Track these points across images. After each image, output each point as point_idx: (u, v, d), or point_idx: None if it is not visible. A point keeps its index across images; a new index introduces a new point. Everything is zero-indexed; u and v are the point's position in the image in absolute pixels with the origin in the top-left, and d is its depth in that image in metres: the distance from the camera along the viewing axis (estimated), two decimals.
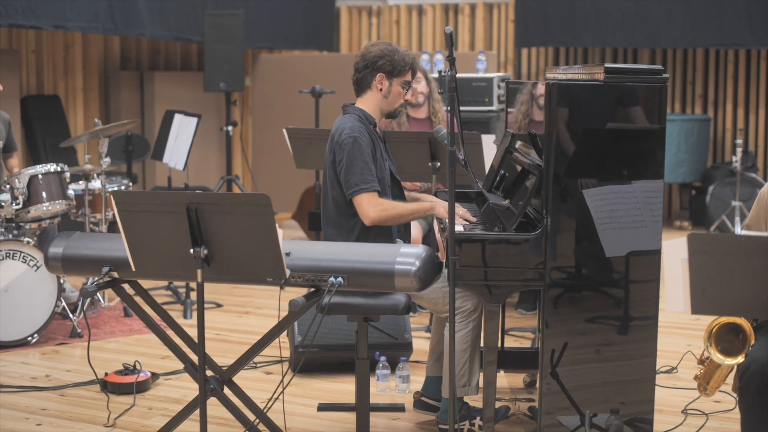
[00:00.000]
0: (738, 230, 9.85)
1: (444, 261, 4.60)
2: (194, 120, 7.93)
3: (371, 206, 4.89)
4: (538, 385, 4.64)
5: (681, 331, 6.89)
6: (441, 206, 5.03)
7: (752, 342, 4.05)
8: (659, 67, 4.51)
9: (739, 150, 9.91)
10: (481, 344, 4.80)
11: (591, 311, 4.55)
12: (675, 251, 3.64)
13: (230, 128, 9.65)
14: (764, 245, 3.47)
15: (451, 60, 4.22)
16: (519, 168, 5.02)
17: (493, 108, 9.41)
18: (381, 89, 5.09)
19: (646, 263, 4.52)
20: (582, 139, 4.46)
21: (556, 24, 11.17)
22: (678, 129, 10.59)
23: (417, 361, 6.15)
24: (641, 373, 4.60)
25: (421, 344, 6.41)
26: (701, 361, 4.39)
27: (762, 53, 11.06)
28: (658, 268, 4.53)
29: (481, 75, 9.66)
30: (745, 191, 10.19)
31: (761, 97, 11.14)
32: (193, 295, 7.54)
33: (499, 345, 5.32)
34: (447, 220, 4.82)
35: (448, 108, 4.27)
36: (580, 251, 4.51)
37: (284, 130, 7.19)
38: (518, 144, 5.23)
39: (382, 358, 5.87)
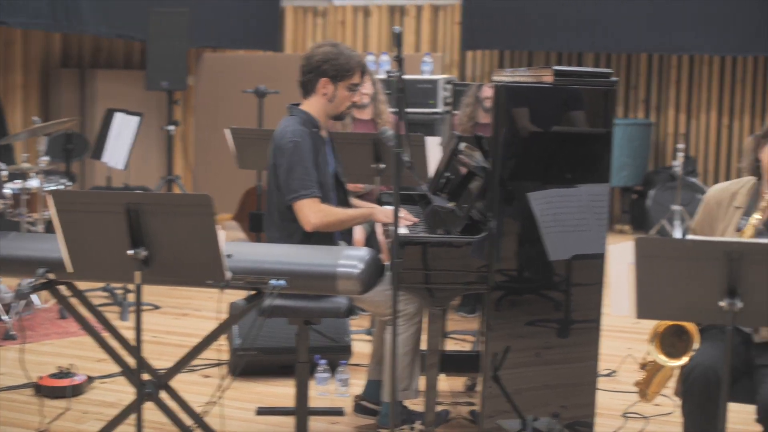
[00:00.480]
0: (677, 234, 9.90)
1: (387, 264, 4.55)
2: (136, 119, 7.82)
3: (312, 212, 4.82)
4: (480, 388, 4.61)
5: (621, 335, 6.89)
6: (380, 212, 4.97)
7: (696, 344, 4.04)
8: (608, 70, 4.49)
9: (680, 155, 9.96)
10: (422, 347, 4.77)
11: (532, 314, 4.54)
12: (621, 255, 3.62)
13: (172, 128, 9.52)
14: (710, 250, 3.46)
15: (398, 60, 4.17)
16: (464, 170, 4.98)
17: (438, 110, 9.38)
18: (326, 93, 5.00)
19: (589, 267, 4.50)
20: (529, 142, 4.44)
21: (501, 27, 11.17)
22: (620, 133, 10.63)
23: (357, 364, 6.09)
24: (582, 376, 4.59)
25: (361, 347, 6.36)
26: (642, 367, 4.36)
27: (705, 59, 11.14)
28: (601, 271, 4.51)
29: (426, 77, 9.62)
30: (686, 196, 10.25)
31: (703, 103, 11.21)
32: (131, 297, 7.43)
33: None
34: (390, 224, 4.78)
35: (394, 110, 4.23)
36: (524, 254, 4.49)
37: (226, 131, 7.11)
38: (464, 146, 5.19)
39: (322, 361, 5.81)
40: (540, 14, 10.98)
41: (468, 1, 11.33)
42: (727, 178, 11.05)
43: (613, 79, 4.44)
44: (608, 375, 6.05)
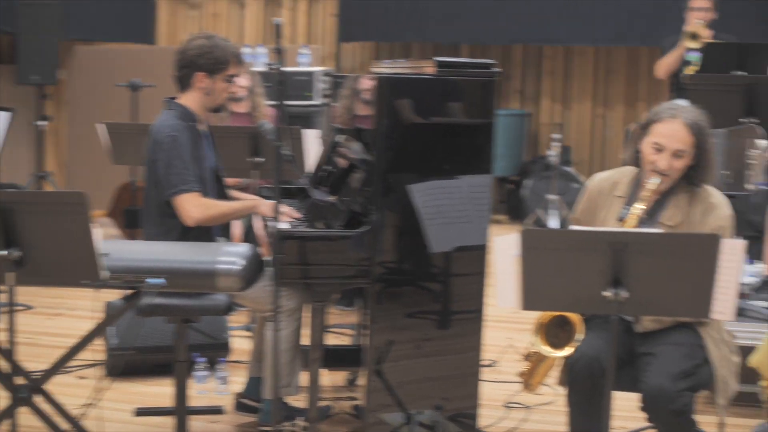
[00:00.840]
0: (553, 223, 9.99)
1: (267, 259, 4.47)
2: (6, 115, 7.58)
3: (193, 206, 4.72)
4: (362, 382, 4.57)
5: (501, 325, 6.89)
6: (264, 204, 4.90)
7: (580, 335, 4.05)
8: (490, 61, 4.50)
9: (556, 144, 9.99)
10: (303, 343, 4.71)
11: (413, 306, 4.53)
12: (507, 247, 3.59)
13: (43, 123, 9.29)
14: (595, 240, 3.46)
15: (279, 52, 4.09)
16: (345, 163, 4.92)
17: (316, 102, 9.31)
18: (202, 87, 4.89)
19: (470, 258, 4.51)
20: (411, 134, 4.40)
21: (378, 19, 11.14)
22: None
23: (236, 361, 5.99)
24: (463, 367, 4.60)
25: (240, 344, 6.26)
26: (526, 358, 4.36)
27: (579, 49, 11.24)
28: (482, 262, 4.51)
29: (303, 69, 9.54)
30: (562, 185, 10.31)
31: (577, 93, 11.33)
32: (2, 297, 7.20)
33: None
34: (271, 218, 4.71)
35: (271, 102, 4.15)
36: (405, 247, 4.47)
37: (99, 125, 6.94)
38: (344, 139, 5.14)
39: (201, 359, 5.70)
40: (416, 6, 10.98)
41: None
42: (602, 168, 11.01)
43: (495, 70, 4.44)
44: (489, 365, 6.05)
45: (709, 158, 4.21)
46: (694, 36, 8.35)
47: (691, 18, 8.48)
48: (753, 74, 6.93)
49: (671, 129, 4.15)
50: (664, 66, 8.70)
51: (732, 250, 3.46)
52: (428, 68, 4.45)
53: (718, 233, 4.04)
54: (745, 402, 4.82)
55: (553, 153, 10.06)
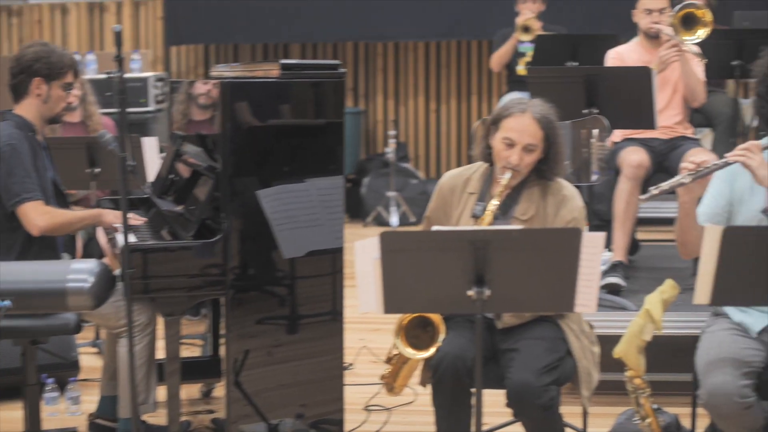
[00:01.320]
0: (394, 220, 10.01)
1: (117, 274, 4.33)
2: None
3: (38, 215, 4.55)
4: (222, 393, 4.48)
5: (353, 326, 6.81)
6: (109, 213, 4.76)
7: (442, 335, 4.02)
8: (335, 62, 4.45)
9: (392, 141, 10.05)
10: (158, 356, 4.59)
11: (265, 312, 4.47)
12: (367, 251, 3.54)
13: None
14: (456, 240, 3.43)
15: (119, 59, 3.95)
16: (191, 171, 4.81)
17: (150, 108, 9.13)
18: (39, 94, 4.73)
19: (323, 261, 4.48)
20: (258, 139, 4.34)
21: (206, 21, 10.96)
22: None
23: (87, 380, 5.80)
24: (321, 372, 4.57)
25: (88, 361, 6.07)
26: (388, 360, 4.32)
27: (410, 45, 11.27)
28: (336, 264, 4.49)
29: (136, 75, 9.34)
30: (400, 181, 10.35)
31: (411, 89, 11.35)
32: None
33: None
34: (116, 229, 4.57)
35: (111, 111, 4.02)
36: (257, 253, 4.42)
37: None
38: (186, 146, 5.02)
39: (49, 380, 5.49)
40: (243, 6, 10.84)
41: None
42: (438, 162, 11.32)
43: (342, 70, 4.39)
44: (345, 368, 5.98)
45: (559, 151, 4.23)
46: (526, 29, 8.45)
47: (522, 10, 8.58)
48: (585, 65, 7.04)
49: (521, 124, 4.15)
50: (497, 59, 8.79)
51: (592, 242, 3.47)
52: (273, 71, 4.38)
53: (573, 225, 4.09)
54: (608, 390, 4.88)
55: (389, 150, 10.10)
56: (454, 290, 3.47)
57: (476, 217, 4.21)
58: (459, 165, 11.25)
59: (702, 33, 6.15)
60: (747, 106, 9.39)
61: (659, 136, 6.14)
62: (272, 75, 4.37)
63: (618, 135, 6.23)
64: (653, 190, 3.93)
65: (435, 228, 3.51)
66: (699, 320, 4.61)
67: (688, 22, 6.15)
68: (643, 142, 6.12)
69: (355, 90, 11.43)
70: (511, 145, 4.15)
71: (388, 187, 10.30)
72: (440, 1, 10.60)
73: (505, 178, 4.15)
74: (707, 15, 6.14)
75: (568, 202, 4.23)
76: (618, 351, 3.78)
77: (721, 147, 7.72)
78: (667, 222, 7.69)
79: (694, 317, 5.00)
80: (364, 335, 6.60)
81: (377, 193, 10.45)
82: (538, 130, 4.16)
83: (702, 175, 3.88)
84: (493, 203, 4.13)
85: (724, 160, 3.94)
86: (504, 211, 4.21)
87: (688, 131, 6.32)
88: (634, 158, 5.88)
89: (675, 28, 6.09)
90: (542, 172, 4.23)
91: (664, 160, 6.13)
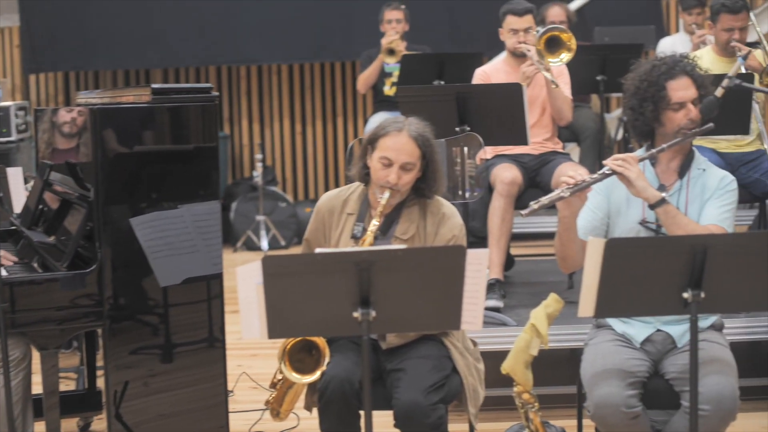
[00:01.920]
0: (264, 244, 9.94)
1: None
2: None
3: None
4: (104, 426, 4.38)
5: (231, 352, 6.73)
6: None
7: (327, 358, 3.98)
8: (208, 85, 4.38)
9: (259, 165, 9.99)
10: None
11: (140, 342, 4.39)
12: (249, 276, 3.47)
13: None
14: (340, 262, 3.39)
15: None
16: (60, 201, 4.68)
17: (12, 138, 8.91)
18: None
19: (201, 287, 4.40)
20: (131, 165, 4.26)
21: (65, 48, 10.74)
22: None
23: None
24: (200, 400, 4.49)
25: None
26: (273, 385, 4.26)
27: (273, 68, 11.22)
28: (213, 291, 4.45)
29: None
30: (268, 205, 10.27)
31: (276, 112, 11.29)
32: None
33: None
34: None
35: None
36: (132, 282, 4.33)
37: None
38: (55, 175, 4.89)
39: None
40: (103, 33, 10.66)
41: (27, 23, 10.82)
42: (306, 184, 11.27)
43: (214, 93, 4.33)
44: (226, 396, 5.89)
45: (436, 169, 4.23)
46: (391, 51, 8.48)
47: (387, 30, 8.60)
48: (451, 83, 7.07)
49: (398, 143, 4.13)
50: (363, 80, 8.80)
51: (476, 259, 3.46)
52: (143, 96, 4.30)
53: (453, 243, 4.09)
54: (495, 406, 4.89)
55: (257, 174, 10.05)
56: (339, 313, 3.42)
57: (356, 238, 4.18)
58: (327, 187, 11.29)
59: (566, 57, 6.23)
60: (611, 120, 9.60)
61: (530, 152, 6.19)
62: (143, 100, 4.28)
63: (489, 151, 6.27)
64: (533, 205, 3.95)
65: (318, 250, 3.47)
66: (581, 333, 4.66)
67: (553, 45, 6.23)
68: (514, 158, 6.16)
69: (220, 114, 11.31)
70: (388, 164, 4.13)
71: (256, 211, 10.21)
72: (303, 23, 10.61)
73: (384, 198, 4.12)
74: (572, 39, 6.23)
75: (448, 220, 4.23)
76: (505, 366, 3.79)
77: (588, 161, 7.87)
78: (540, 237, 7.82)
79: (576, 330, 5.04)
80: (243, 361, 6.51)
81: (246, 217, 10.34)
82: (415, 149, 4.15)
83: (581, 188, 3.92)
84: (374, 224, 4.11)
85: (602, 172, 3.99)
86: (384, 231, 4.19)
87: (558, 146, 6.39)
88: (507, 175, 5.92)
89: (540, 52, 6.16)
90: (421, 190, 4.22)
91: (535, 176, 6.18)
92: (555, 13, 8.25)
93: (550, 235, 6.01)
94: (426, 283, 3.42)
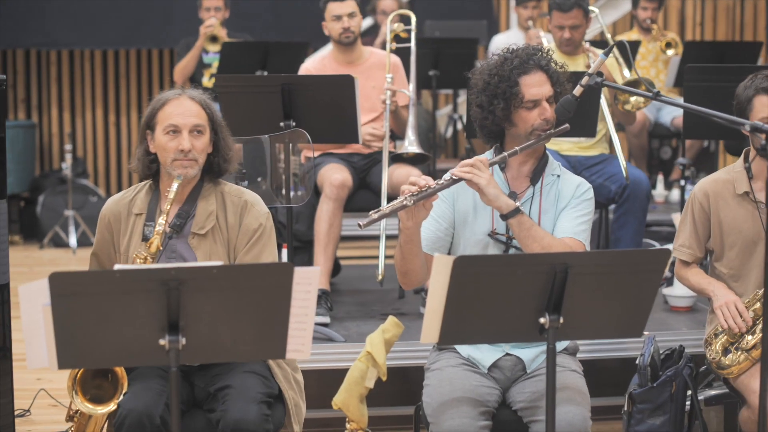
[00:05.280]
0: (72, 241, 9.34)
1: None
2: None
3: None
4: None
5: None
6: None
7: (125, 387, 3.48)
8: None
9: (69, 156, 9.47)
10: None
11: None
12: (34, 297, 2.92)
13: None
14: (142, 279, 2.88)
15: None
16: None
17: None
18: None
19: None
20: None
21: None
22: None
23: None
24: None
25: None
26: (70, 418, 3.72)
27: (86, 53, 10.65)
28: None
29: None
30: (78, 199, 9.77)
31: (87, 100, 10.75)
32: None
33: None
34: None
35: None
36: None
37: None
38: None
39: None
40: None
41: None
42: (119, 178, 10.86)
43: (2, 77, 3.77)
44: (21, 416, 5.28)
45: (225, 137, 3.84)
46: (213, 38, 7.96)
47: (206, 17, 8.08)
48: (276, 73, 6.61)
49: (181, 106, 3.75)
50: (180, 70, 8.24)
51: (306, 278, 2.97)
52: None
53: (261, 233, 3.72)
54: (322, 428, 4.47)
55: (66, 165, 9.57)
56: (142, 340, 2.93)
57: (148, 240, 3.71)
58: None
59: None
60: (441, 117, 9.26)
61: (359, 151, 5.76)
62: None
63: (314, 150, 5.82)
64: (374, 215, 3.46)
65: (117, 267, 2.93)
66: (420, 350, 4.25)
67: None
68: (342, 158, 5.72)
69: (27, 101, 10.72)
70: (176, 130, 3.70)
71: (65, 206, 9.70)
72: (117, 6, 10.16)
73: (172, 191, 3.67)
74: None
75: (252, 208, 3.80)
76: (338, 401, 3.31)
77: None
78: (366, 238, 7.41)
79: (409, 347, 4.63)
80: (41, 374, 5.88)
81: (54, 212, 9.80)
82: (201, 110, 3.76)
83: (426, 195, 3.46)
84: (160, 222, 3.67)
85: (449, 178, 3.55)
86: (178, 229, 3.75)
87: (389, 145, 5.96)
88: (337, 177, 5.48)
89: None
90: (216, 165, 3.81)
91: (365, 176, 5.78)
92: (387, 3, 7.86)
93: (376, 237, 5.63)
94: (246, 305, 2.96)
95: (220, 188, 3.82)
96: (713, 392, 4.50)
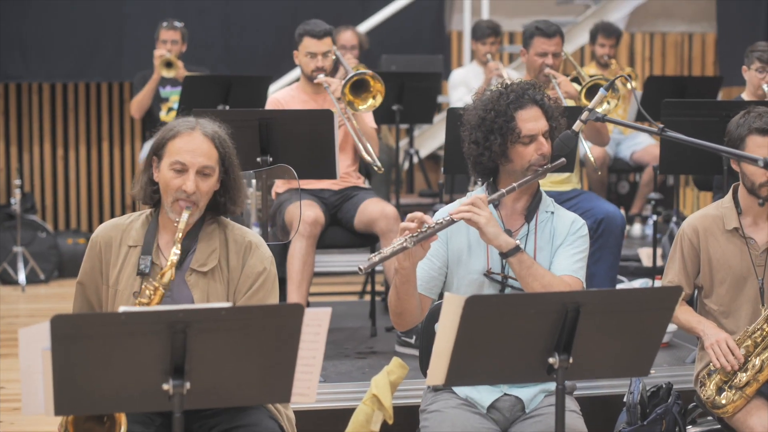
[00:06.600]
0: (22, 278, 9.14)
1: None
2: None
3: None
4: None
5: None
6: None
7: (124, 427, 3.35)
8: None
9: (17, 191, 9.31)
10: None
11: None
12: (33, 340, 2.82)
13: None
14: (149, 322, 2.78)
15: None
16: None
17: None
18: None
19: None
20: None
21: None
22: None
23: None
24: None
25: None
26: None
27: (33, 86, 10.45)
28: None
29: None
30: (27, 235, 9.56)
31: (35, 133, 10.54)
32: None
33: None
34: None
35: None
36: None
37: None
38: None
39: None
40: None
41: None
42: (67, 213, 10.57)
43: None
44: None
45: (237, 176, 3.62)
46: (169, 64, 7.84)
47: (159, 47, 7.98)
48: (238, 108, 6.52)
49: (191, 143, 3.50)
50: (137, 104, 8.14)
51: (316, 320, 2.89)
52: None
53: (264, 277, 3.57)
54: None
55: (14, 201, 9.41)
56: (144, 384, 2.83)
57: (144, 275, 3.53)
58: (90, 216, 10.60)
59: (373, 102, 5.77)
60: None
61: (330, 187, 5.70)
62: None
63: (281, 185, 5.74)
64: (374, 258, 3.37)
65: (122, 309, 2.82)
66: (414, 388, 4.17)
67: (359, 89, 5.77)
68: (313, 194, 5.65)
69: None
70: (182, 170, 3.49)
71: (13, 242, 9.49)
72: (67, 39, 9.98)
73: (182, 221, 3.48)
74: (378, 84, 5.76)
75: (257, 249, 3.62)
76: None
77: (380, 194, 7.42)
78: (334, 275, 7.32)
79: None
80: (6, 416, 5.69)
81: (2, 248, 9.63)
82: (213, 150, 3.54)
83: (425, 236, 3.38)
84: (174, 252, 3.46)
85: (448, 218, 3.48)
86: (178, 263, 3.51)
87: (360, 180, 5.92)
88: (309, 214, 5.41)
89: (350, 102, 5.67)
90: (221, 205, 3.62)
91: (336, 212, 5.70)
92: (347, 37, 7.80)
93: (343, 273, 5.56)
94: (253, 348, 2.87)
95: (223, 226, 3.64)
96: (700, 429, 4.48)
